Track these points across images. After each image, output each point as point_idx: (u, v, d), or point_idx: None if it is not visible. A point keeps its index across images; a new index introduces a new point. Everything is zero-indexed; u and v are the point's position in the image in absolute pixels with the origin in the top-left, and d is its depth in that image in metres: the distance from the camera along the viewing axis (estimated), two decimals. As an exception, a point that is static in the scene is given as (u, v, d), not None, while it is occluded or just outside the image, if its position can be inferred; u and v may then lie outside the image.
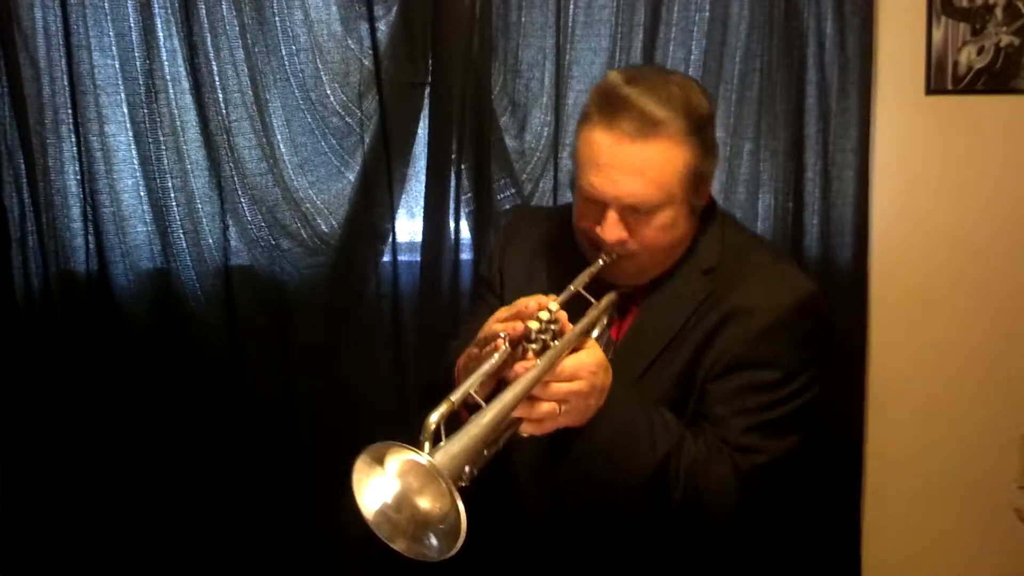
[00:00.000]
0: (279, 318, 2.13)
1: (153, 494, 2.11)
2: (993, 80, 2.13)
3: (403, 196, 2.14)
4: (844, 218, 2.16)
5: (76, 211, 2.04)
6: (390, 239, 2.13)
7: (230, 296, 2.10)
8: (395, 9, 2.04)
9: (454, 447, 1.06)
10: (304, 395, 2.14)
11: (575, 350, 1.27)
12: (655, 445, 1.32)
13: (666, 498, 1.34)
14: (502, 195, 2.13)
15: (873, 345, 2.23)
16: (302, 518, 2.12)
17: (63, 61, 1.98)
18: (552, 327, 1.25)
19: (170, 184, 2.05)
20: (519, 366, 1.22)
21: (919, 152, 2.18)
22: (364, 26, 2.04)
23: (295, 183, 2.09)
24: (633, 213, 1.35)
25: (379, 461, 1.04)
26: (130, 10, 1.98)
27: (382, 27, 2.05)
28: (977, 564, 2.30)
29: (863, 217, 2.16)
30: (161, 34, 2.00)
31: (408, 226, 2.16)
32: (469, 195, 2.12)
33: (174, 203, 2.06)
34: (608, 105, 1.33)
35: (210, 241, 2.08)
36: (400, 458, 1.03)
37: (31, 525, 2.10)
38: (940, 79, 2.14)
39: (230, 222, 2.08)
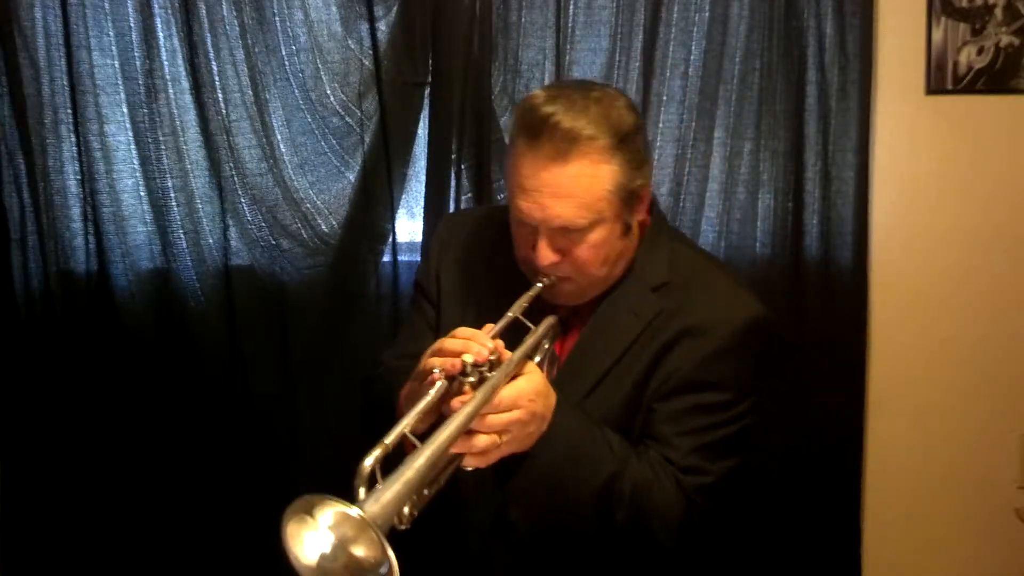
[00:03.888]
0: (279, 318, 2.13)
1: (153, 494, 2.11)
2: (993, 80, 2.13)
3: (403, 196, 2.14)
4: (844, 218, 2.15)
5: (76, 211, 2.04)
6: (390, 239, 2.13)
7: (230, 296, 2.10)
8: (395, 9, 2.05)
9: (386, 495, 1.04)
10: (304, 395, 2.14)
11: (514, 377, 1.25)
12: (599, 467, 1.31)
13: (611, 518, 1.33)
14: (502, 195, 2.12)
15: (873, 345, 2.23)
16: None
17: (63, 61, 1.98)
18: (490, 358, 1.23)
19: (170, 184, 2.05)
20: (455, 401, 1.20)
21: (919, 152, 2.18)
22: (364, 26, 2.04)
23: (295, 183, 2.09)
24: (563, 235, 1.32)
25: (309, 513, 1.02)
26: (130, 10, 1.99)
27: (382, 27, 2.05)
28: (977, 564, 2.30)
29: (863, 217, 2.16)
30: (161, 34, 2.00)
31: (408, 226, 2.16)
32: (469, 195, 2.12)
33: (174, 203, 2.06)
34: (529, 127, 1.29)
35: (210, 241, 2.08)
36: (331, 510, 1.01)
37: (31, 525, 2.10)
38: (940, 79, 2.14)
39: (230, 222, 2.08)
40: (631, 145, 1.32)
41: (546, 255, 1.33)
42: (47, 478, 2.09)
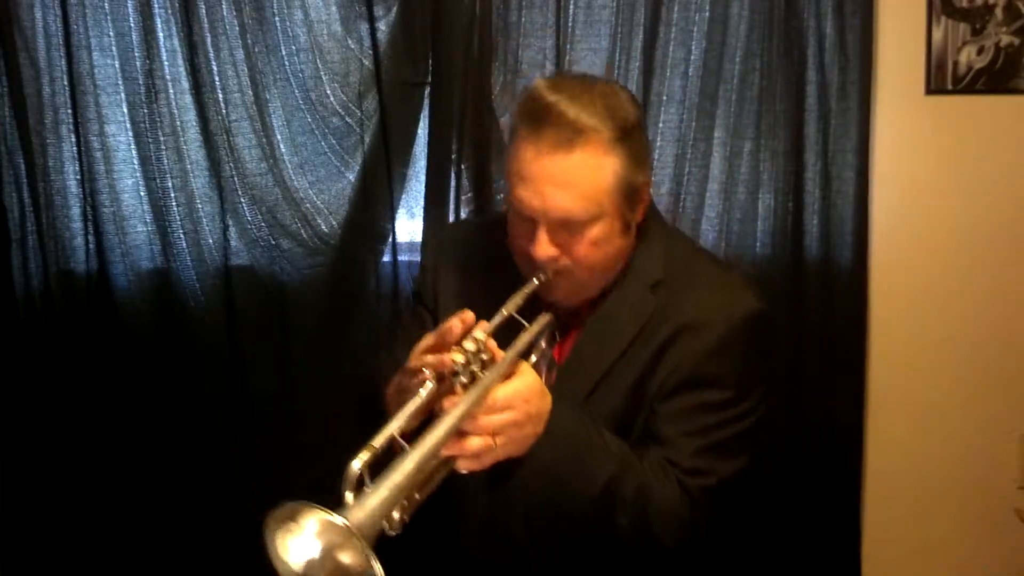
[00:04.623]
0: (279, 318, 2.13)
1: (153, 494, 2.11)
2: (993, 80, 2.13)
3: (403, 196, 2.13)
4: (844, 218, 2.15)
5: (76, 211, 2.04)
6: (390, 239, 2.13)
7: (230, 296, 2.10)
8: (395, 9, 2.04)
9: (372, 501, 1.02)
10: (304, 395, 2.14)
11: (507, 377, 1.22)
12: (598, 469, 1.28)
13: (612, 523, 1.30)
14: (502, 195, 2.12)
15: (873, 345, 2.23)
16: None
17: (63, 61, 1.98)
18: (482, 356, 1.20)
19: (170, 184, 2.05)
20: (446, 401, 1.17)
21: (919, 152, 2.18)
22: (364, 26, 2.04)
23: (295, 183, 2.09)
24: (564, 228, 1.30)
25: (294, 519, 1.00)
26: (130, 10, 1.98)
27: (382, 27, 2.05)
28: (977, 564, 2.30)
29: (863, 217, 2.16)
30: (161, 34, 2.00)
31: (408, 226, 2.16)
32: (469, 195, 2.12)
33: (174, 203, 2.06)
34: (532, 116, 1.28)
35: (210, 241, 2.08)
36: (316, 518, 0.99)
37: (31, 525, 2.10)
38: (940, 79, 2.14)
39: (230, 222, 2.08)
40: (634, 140, 1.31)
41: (545, 249, 1.31)
42: (47, 478, 2.09)
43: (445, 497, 1.28)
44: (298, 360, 2.14)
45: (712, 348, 1.34)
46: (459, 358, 1.18)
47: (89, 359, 2.07)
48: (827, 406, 2.19)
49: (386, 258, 2.15)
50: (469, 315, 1.24)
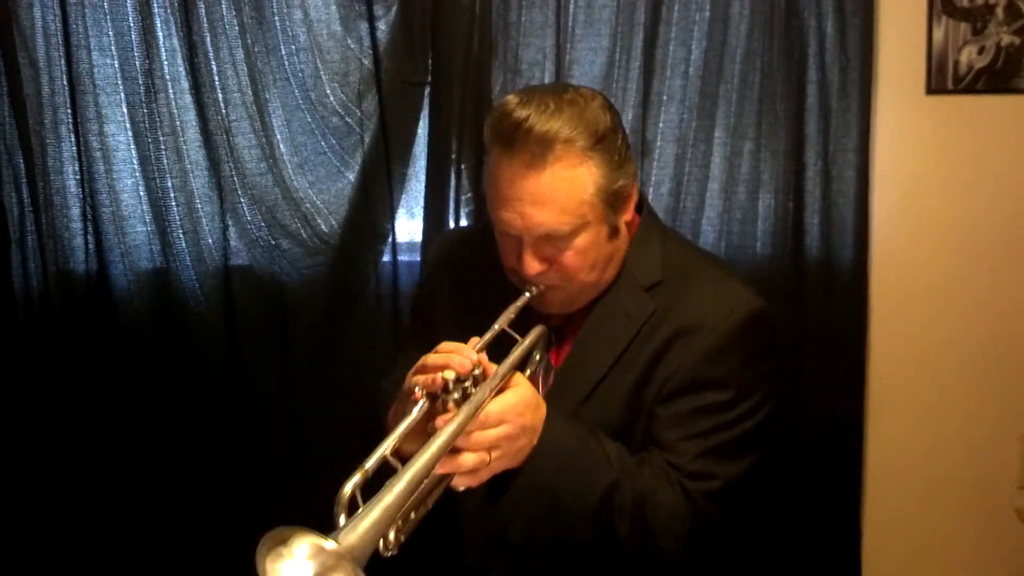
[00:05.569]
0: (279, 318, 2.13)
1: (153, 494, 2.11)
2: (993, 80, 2.13)
3: (403, 196, 2.13)
4: (844, 218, 2.15)
5: (76, 211, 2.04)
6: (390, 239, 2.13)
7: (230, 296, 2.10)
8: (395, 9, 2.04)
9: (363, 523, 1.01)
10: (304, 395, 2.14)
11: (501, 391, 1.21)
12: (596, 478, 1.27)
13: (613, 531, 1.29)
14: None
15: (873, 345, 2.23)
16: (301, 518, 2.12)
17: (63, 61, 1.98)
18: (474, 372, 1.19)
19: (170, 184, 2.05)
20: (439, 420, 1.16)
21: (919, 152, 2.18)
22: (364, 26, 2.04)
23: (295, 183, 2.09)
24: (548, 242, 1.30)
25: (285, 544, 0.99)
26: (130, 10, 1.98)
27: (382, 27, 2.04)
28: (977, 564, 2.30)
29: (863, 217, 2.16)
30: (161, 34, 2.00)
31: (408, 226, 2.16)
32: (469, 195, 2.11)
33: (174, 203, 2.06)
34: (503, 135, 1.28)
35: (210, 241, 2.08)
36: (307, 543, 0.98)
37: (31, 525, 2.10)
38: (940, 79, 2.13)
39: (230, 222, 2.08)
40: (609, 144, 1.30)
41: (532, 265, 1.31)
42: (47, 478, 2.09)
43: (447, 515, 1.27)
44: (298, 360, 2.14)
45: (711, 350, 1.32)
46: (450, 375, 1.17)
47: (88, 359, 2.07)
48: (828, 405, 2.19)
49: (386, 258, 2.15)
50: (461, 345, 1.23)
